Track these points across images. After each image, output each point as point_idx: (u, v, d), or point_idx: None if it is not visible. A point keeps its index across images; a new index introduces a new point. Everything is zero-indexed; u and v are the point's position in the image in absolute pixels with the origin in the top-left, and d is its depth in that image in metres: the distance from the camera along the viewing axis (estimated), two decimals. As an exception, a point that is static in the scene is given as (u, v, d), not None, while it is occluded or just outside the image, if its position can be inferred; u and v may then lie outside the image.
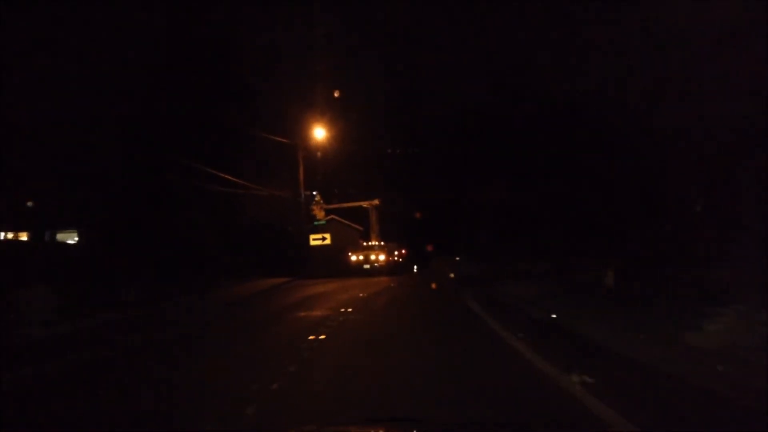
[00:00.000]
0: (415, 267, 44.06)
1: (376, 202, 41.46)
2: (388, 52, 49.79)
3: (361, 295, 21.51)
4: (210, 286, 27.04)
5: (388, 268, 38.48)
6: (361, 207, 42.75)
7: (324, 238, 40.32)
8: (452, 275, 25.95)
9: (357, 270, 38.11)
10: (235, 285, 28.60)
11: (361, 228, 47.05)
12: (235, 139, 36.58)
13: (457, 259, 43.18)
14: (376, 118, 48.68)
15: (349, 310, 16.25)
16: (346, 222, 48.16)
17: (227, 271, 32.13)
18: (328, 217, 47.21)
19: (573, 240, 45.49)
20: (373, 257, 38.15)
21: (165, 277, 25.72)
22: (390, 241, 41.82)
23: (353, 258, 38.57)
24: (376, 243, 40.16)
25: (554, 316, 14.27)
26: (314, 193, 42.04)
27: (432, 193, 50.17)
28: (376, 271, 37.82)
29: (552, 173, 49.83)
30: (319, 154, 42.54)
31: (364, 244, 40.31)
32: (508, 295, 20.18)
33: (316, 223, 41.50)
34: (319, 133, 41.31)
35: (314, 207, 42.09)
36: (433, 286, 28.25)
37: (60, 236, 30.35)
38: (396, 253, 40.79)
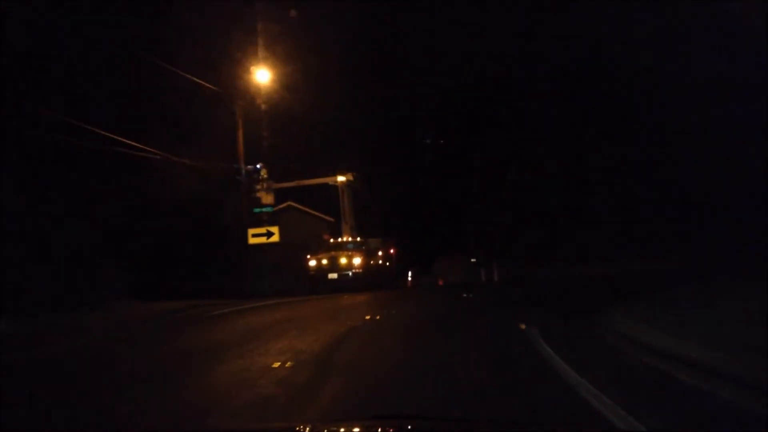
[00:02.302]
0: (410, 275, 30.93)
1: (349, 176, 28.36)
2: None
3: (276, 365, 8.31)
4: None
5: (369, 278, 25.42)
6: (327, 186, 29.64)
7: (270, 234, 27.24)
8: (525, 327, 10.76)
9: (319, 282, 25.04)
10: (64, 319, 15.31)
11: (332, 219, 33.86)
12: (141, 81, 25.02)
13: (474, 261, 30.12)
14: (358, 70, 35.52)
15: None
16: (311, 211, 34.95)
17: (86, 285, 18.86)
18: (284, 204, 34.27)
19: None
20: (343, 261, 25.01)
21: None
22: (372, 235, 28.72)
23: (312, 263, 25.41)
24: (350, 239, 27.04)
25: None
26: (258, 166, 29.02)
27: (432, 170, 36.97)
28: (349, 282, 24.74)
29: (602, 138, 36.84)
30: (263, 106, 30.05)
31: (331, 240, 27.14)
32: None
33: (257, 210, 28.47)
34: (263, 76, 28.74)
35: (258, 187, 29.13)
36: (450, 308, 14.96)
37: None
38: (380, 253, 27.72)
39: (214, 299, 22.11)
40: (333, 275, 24.76)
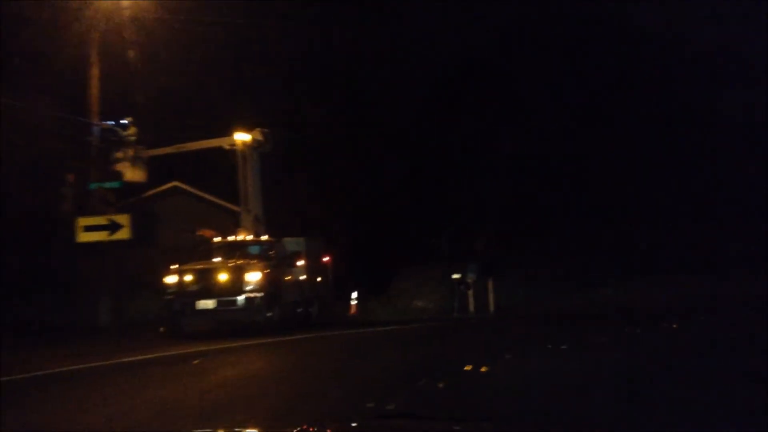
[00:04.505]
0: (355, 297, 19.81)
1: (256, 135, 17.47)
2: None
3: None
4: None
5: (277, 305, 14.42)
6: (222, 154, 18.63)
7: (114, 226, 16.46)
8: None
9: (182, 314, 13.88)
10: None
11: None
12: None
13: (457, 277, 19.32)
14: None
15: None
16: (209, 197, 23.64)
17: None
18: (167, 186, 23.30)
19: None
20: (226, 277, 13.83)
21: None
22: (291, 232, 17.68)
23: (172, 280, 14.12)
24: (249, 237, 15.95)
25: None
26: (124, 121, 18.18)
27: (392, 144, 25.78)
28: (239, 316, 13.71)
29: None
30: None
31: (215, 240, 15.93)
32: None
33: (93, 186, 17.68)
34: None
35: (120, 154, 18.29)
36: None
37: None
38: (302, 262, 16.50)
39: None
40: (207, 303, 13.60)
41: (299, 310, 16.40)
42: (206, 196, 23.30)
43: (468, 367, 8.28)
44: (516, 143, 25.17)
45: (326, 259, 18.90)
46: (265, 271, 14.14)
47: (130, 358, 10.94)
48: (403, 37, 25.87)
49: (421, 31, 26.36)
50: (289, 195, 20.59)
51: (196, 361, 10.00)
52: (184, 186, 23.35)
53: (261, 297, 13.80)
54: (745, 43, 23.13)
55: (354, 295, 19.90)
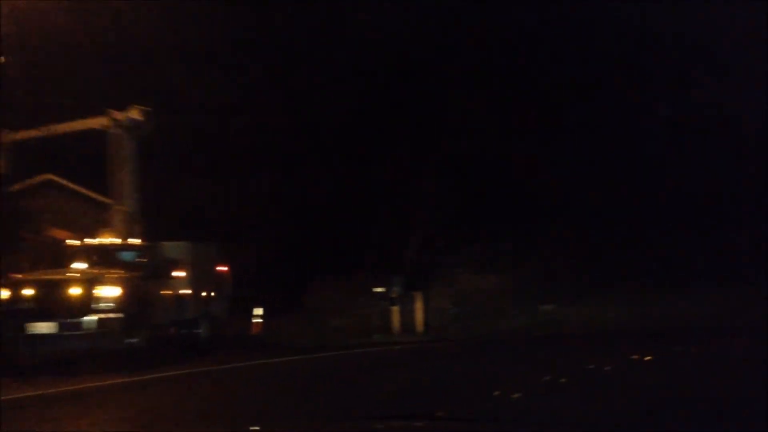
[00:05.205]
0: (259, 313, 16.61)
1: (134, 113, 14.23)
2: None
3: None
4: None
5: (146, 328, 11.14)
6: (96, 136, 15.32)
7: None
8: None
9: (13, 343, 10.48)
10: None
11: (126, 208, 18.79)
12: None
13: (381, 291, 16.52)
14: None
15: None
16: (88, 193, 20.00)
17: None
18: (38, 179, 19.75)
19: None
20: (67, 293, 10.51)
21: None
22: (175, 235, 14.40)
23: (3, 295, 10.68)
24: (116, 241, 12.64)
25: None
26: None
27: (308, 129, 22.66)
28: (89, 344, 10.38)
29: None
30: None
31: (69, 243, 12.57)
32: None
33: None
34: None
35: None
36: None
37: None
38: (183, 273, 13.33)
39: None
40: (43, 326, 10.26)
41: (182, 331, 13.24)
42: (86, 191, 19.72)
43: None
44: (451, 143, 22.65)
45: (223, 268, 15.71)
46: (128, 284, 10.91)
47: None
48: (332, 26, 22.92)
49: (355, 22, 23.46)
50: (181, 191, 17.34)
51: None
52: (59, 180, 19.73)
53: (120, 318, 10.56)
54: (745, 43, 21.23)
55: (258, 311, 16.72)
